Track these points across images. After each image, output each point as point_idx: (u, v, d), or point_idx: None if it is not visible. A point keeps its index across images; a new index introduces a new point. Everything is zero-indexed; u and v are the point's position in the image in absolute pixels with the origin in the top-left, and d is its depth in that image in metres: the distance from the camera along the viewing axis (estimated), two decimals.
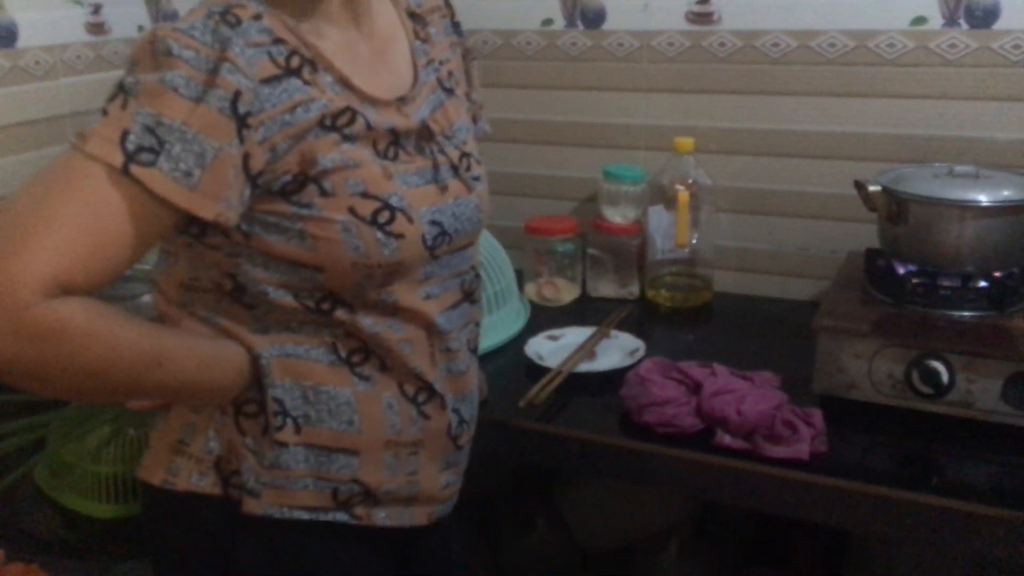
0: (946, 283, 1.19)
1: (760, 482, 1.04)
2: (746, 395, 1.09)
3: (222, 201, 0.72)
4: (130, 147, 0.69)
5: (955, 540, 0.98)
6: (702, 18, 1.50)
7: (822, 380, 1.14)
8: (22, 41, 1.43)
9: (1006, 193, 1.18)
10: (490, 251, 1.42)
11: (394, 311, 0.84)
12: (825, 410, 1.09)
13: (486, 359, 1.32)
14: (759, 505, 1.07)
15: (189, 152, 0.70)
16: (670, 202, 1.47)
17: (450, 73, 0.94)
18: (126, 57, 0.76)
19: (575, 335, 1.36)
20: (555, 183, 1.67)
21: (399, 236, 0.80)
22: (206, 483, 0.84)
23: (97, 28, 1.56)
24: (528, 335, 1.37)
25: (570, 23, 1.59)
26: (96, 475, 1.16)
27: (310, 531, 0.85)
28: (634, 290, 1.56)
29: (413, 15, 0.94)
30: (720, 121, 1.53)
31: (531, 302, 1.54)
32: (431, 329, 0.87)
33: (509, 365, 1.32)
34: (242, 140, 0.72)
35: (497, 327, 1.38)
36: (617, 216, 1.56)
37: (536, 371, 1.24)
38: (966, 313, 1.15)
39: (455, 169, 0.89)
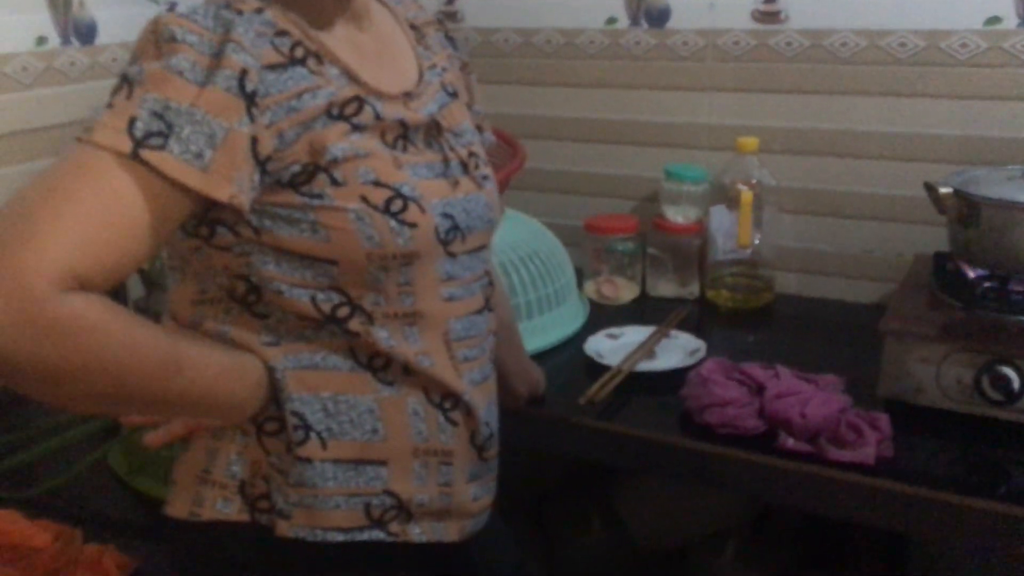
0: (1018, 287, 1.16)
1: (824, 486, 1.03)
2: (810, 398, 1.08)
3: (234, 183, 0.71)
4: (138, 133, 0.67)
5: (1022, 548, 0.97)
6: (769, 17, 1.49)
7: (888, 384, 1.13)
8: (101, 38, 1.48)
9: None
10: (550, 248, 1.43)
11: (413, 318, 0.82)
12: (891, 415, 1.08)
13: (545, 356, 1.33)
14: (822, 509, 1.06)
15: (199, 133, 0.68)
16: (732, 202, 1.47)
17: (452, 80, 0.93)
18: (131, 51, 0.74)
19: (635, 334, 1.36)
20: (616, 182, 1.68)
21: (412, 225, 0.78)
22: (232, 509, 0.81)
23: None
24: (587, 333, 1.37)
25: (634, 22, 1.59)
26: (170, 459, 1.18)
27: (346, 554, 0.82)
28: (694, 290, 1.56)
29: (412, 26, 0.93)
30: (785, 121, 1.51)
31: (590, 300, 1.54)
32: (449, 337, 0.85)
33: (568, 362, 1.33)
34: (252, 119, 0.71)
35: (556, 325, 1.39)
36: (678, 215, 1.56)
37: (595, 369, 1.25)
38: None
39: (464, 166, 0.87)
